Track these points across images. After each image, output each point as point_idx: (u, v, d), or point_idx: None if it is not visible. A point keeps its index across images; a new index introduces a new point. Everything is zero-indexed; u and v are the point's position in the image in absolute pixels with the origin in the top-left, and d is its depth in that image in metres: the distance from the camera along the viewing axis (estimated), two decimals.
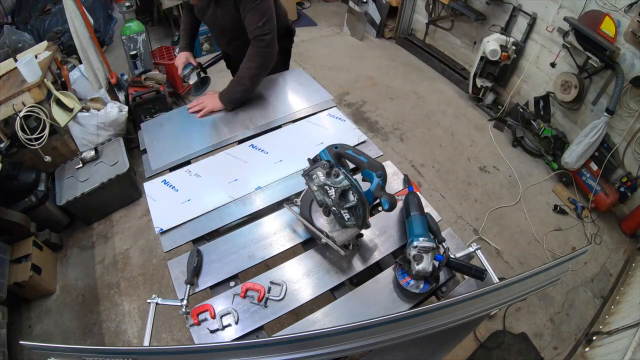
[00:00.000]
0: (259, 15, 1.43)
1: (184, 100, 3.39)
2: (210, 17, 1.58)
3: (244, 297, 1.04)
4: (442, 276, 1.12)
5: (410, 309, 1.04)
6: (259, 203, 1.30)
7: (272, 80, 1.84)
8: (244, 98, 1.63)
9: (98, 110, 2.53)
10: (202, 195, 1.30)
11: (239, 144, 1.54)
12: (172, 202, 1.28)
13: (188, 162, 1.46)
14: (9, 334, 1.78)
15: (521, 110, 3.14)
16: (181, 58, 1.70)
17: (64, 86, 2.59)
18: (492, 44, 3.02)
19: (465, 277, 1.12)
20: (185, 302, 0.99)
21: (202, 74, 1.72)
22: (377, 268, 1.17)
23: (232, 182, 1.33)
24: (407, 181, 1.37)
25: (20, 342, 0.75)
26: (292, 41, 1.95)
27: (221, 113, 1.64)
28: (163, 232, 1.20)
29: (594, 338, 1.89)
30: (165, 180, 1.35)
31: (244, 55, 1.54)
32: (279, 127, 1.62)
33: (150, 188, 1.33)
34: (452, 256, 1.05)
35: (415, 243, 1.03)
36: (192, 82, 1.69)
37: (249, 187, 1.33)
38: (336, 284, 1.09)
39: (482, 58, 3.18)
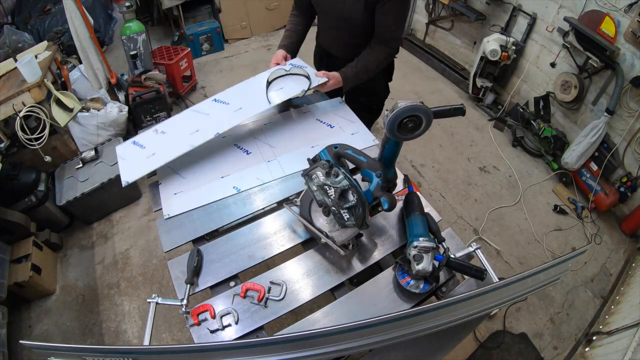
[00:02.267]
0: (395, 16, 1.38)
1: (184, 101, 3.39)
2: (333, 3, 1.45)
3: (244, 297, 1.04)
4: (442, 276, 1.12)
5: (410, 308, 1.04)
6: (259, 203, 1.30)
7: None
8: (356, 84, 1.59)
9: (98, 110, 2.53)
10: (165, 147, 1.38)
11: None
12: (139, 157, 1.37)
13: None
14: (9, 334, 1.78)
15: (521, 110, 3.15)
16: (278, 55, 1.60)
17: (64, 86, 2.59)
18: (492, 44, 3.02)
19: (465, 277, 1.12)
20: (185, 302, 0.99)
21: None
22: (377, 268, 1.17)
23: (193, 133, 1.40)
24: (407, 181, 1.37)
25: (20, 341, 0.75)
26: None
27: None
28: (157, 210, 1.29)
29: (594, 338, 1.89)
30: (134, 141, 1.44)
31: (348, 54, 1.55)
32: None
33: (121, 149, 1.42)
34: (452, 256, 1.05)
35: (415, 243, 1.03)
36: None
37: (208, 135, 1.38)
38: (336, 284, 1.09)
39: (482, 58, 3.18)
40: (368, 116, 1.81)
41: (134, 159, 1.36)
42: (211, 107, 1.50)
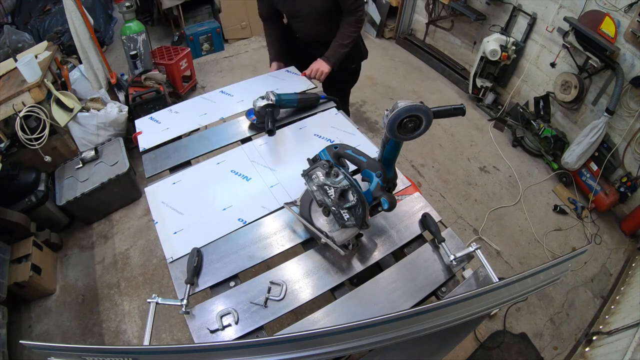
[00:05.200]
0: None
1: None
2: (298, 4, 1.69)
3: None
4: (442, 276, 1.12)
5: (410, 308, 1.04)
6: (258, 212, 1.27)
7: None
8: (343, 58, 1.82)
9: (98, 110, 2.53)
10: (178, 124, 1.62)
11: (242, 143, 1.55)
12: (155, 130, 1.61)
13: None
14: (9, 334, 1.78)
15: (521, 110, 3.15)
16: (274, 68, 1.91)
17: (64, 86, 2.59)
18: (492, 44, 3.02)
19: (465, 276, 1.12)
20: (185, 301, 0.99)
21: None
22: (377, 268, 1.17)
23: (202, 115, 1.66)
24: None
25: (20, 341, 0.75)
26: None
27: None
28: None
29: (594, 338, 1.89)
30: (151, 117, 1.68)
31: (325, 38, 1.78)
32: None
33: (140, 123, 1.66)
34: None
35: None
36: (257, 105, 1.50)
37: (214, 117, 1.64)
38: (336, 284, 1.09)
39: (482, 58, 3.18)
40: (342, 82, 2.08)
41: (150, 131, 1.60)
42: (218, 97, 1.77)
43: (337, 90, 1.97)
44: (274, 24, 1.90)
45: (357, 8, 1.71)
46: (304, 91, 1.72)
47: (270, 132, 1.39)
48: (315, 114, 1.66)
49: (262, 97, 1.47)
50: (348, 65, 1.97)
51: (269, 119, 1.41)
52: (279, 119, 1.61)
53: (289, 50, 1.99)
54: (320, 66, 1.78)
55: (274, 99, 1.46)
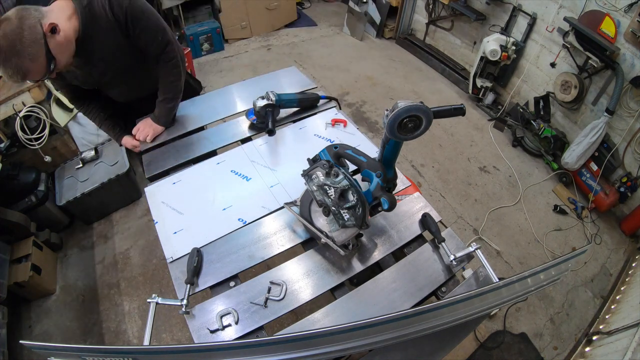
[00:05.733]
0: (153, 30, 1.33)
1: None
2: (98, 68, 1.36)
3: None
4: (442, 276, 1.12)
5: (410, 308, 1.04)
6: (258, 212, 1.28)
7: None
8: (175, 111, 1.60)
9: None
10: (177, 123, 1.62)
11: (242, 143, 1.55)
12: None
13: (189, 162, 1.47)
14: (9, 334, 1.78)
15: (521, 110, 3.15)
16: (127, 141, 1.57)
17: None
18: (492, 44, 3.02)
19: (465, 276, 1.12)
20: (185, 301, 0.99)
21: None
22: (377, 268, 1.17)
23: (201, 115, 1.67)
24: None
25: (20, 341, 0.75)
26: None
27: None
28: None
29: (594, 338, 1.89)
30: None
31: (147, 90, 1.53)
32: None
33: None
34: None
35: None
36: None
37: (214, 117, 1.66)
38: (336, 284, 1.09)
39: (482, 58, 3.18)
40: None
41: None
42: (218, 97, 1.78)
43: None
44: (92, 101, 1.58)
45: (166, 52, 1.40)
46: (304, 91, 1.71)
47: (271, 132, 1.39)
48: (315, 114, 1.66)
49: (262, 97, 1.46)
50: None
51: (269, 118, 1.41)
52: (279, 119, 1.61)
53: (124, 118, 1.67)
54: (147, 127, 1.52)
55: (274, 98, 1.46)
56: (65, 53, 1.18)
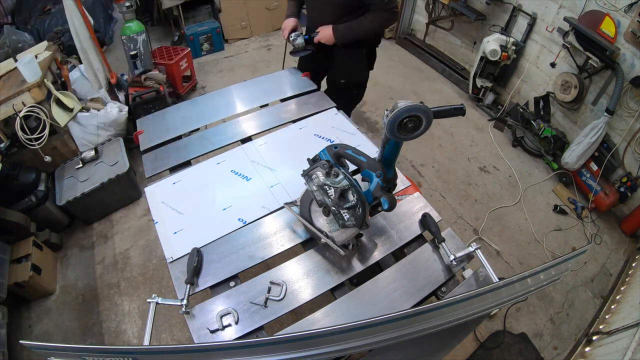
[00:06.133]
0: None
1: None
2: None
3: None
4: (442, 276, 1.12)
5: (410, 308, 1.04)
6: (258, 212, 1.28)
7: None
8: (352, 41, 1.70)
9: (98, 110, 2.53)
10: (177, 123, 1.65)
11: (242, 143, 1.54)
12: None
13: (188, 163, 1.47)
14: (9, 334, 1.78)
15: (521, 110, 3.14)
16: (289, 22, 1.81)
17: (64, 86, 2.59)
18: (492, 44, 3.02)
19: (465, 276, 1.12)
20: (185, 301, 0.99)
21: (306, 44, 1.82)
22: (377, 268, 1.17)
23: (201, 115, 1.69)
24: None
25: (20, 341, 0.75)
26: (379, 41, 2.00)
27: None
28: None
29: (594, 338, 1.88)
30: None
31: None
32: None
33: (141, 123, 1.69)
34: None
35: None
36: (297, 43, 1.80)
37: (214, 117, 1.67)
38: (336, 284, 1.09)
39: (482, 58, 3.18)
40: (346, 99, 1.95)
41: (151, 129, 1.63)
42: (218, 97, 1.80)
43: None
44: None
45: (390, 3, 1.57)
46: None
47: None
48: (315, 114, 1.66)
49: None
50: (351, 81, 1.93)
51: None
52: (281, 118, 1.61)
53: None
54: (325, 33, 1.68)
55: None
56: None
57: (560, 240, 2.53)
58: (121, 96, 2.85)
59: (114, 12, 4.21)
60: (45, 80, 2.21)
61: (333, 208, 1.02)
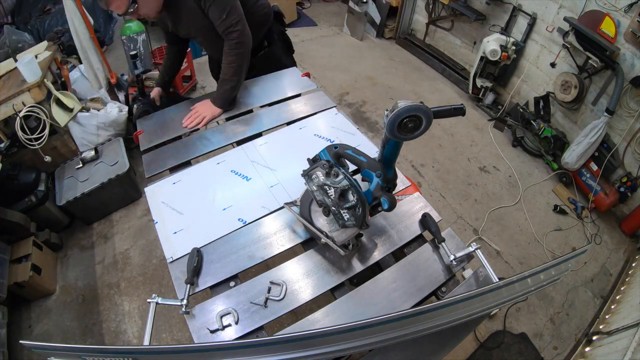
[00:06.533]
0: (221, 7, 1.40)
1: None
2: (183, 28, 1.56)
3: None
4: (442, 276, 1.12)
5: (410, 308, 1.04)
6: (258, 212, 1.28)
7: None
8: (235, 93, 1.65)
9: (98, 110, 2.53)
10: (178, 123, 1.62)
11: (238, 144, 1.54)
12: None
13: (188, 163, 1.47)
14: (9, 334, 1.78)
15: (521, 110, 3.15)
16: (154, 92, 1.80)
17: (64, 86, 2.59)
18: (492, 44, 3.02)
19: (465, 276, 1.12)
20: (185, 302, 0.99)
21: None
22: (377, 268, 1.17)
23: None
24: None
25: (20, 341, 0.75)
26: (284, 25, 1.94)
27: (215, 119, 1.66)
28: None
29: (594, 338, 1.89)
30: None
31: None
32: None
33: (141, 123, 1.67)
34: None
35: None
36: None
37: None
38: (336, 284, 1.09)
39: (482, 58, 3.18)
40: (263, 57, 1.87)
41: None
42: None
43: (277, 63, 1.88)
44: (171, 49, 1.80)
45: (229, 29, 1.44)
46: None
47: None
48: (315, 114, 1.66)
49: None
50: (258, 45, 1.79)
51: None
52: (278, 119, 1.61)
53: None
54: (204, 110, 1.59)
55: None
56: (149, 4, 1.38)
57: (560, 240, 2.53)
58: (121, 96, 2.85)
59: (114, 12, 4.21)
60: (45, 80, 2.21)
61: (333, 208, 1.02)
